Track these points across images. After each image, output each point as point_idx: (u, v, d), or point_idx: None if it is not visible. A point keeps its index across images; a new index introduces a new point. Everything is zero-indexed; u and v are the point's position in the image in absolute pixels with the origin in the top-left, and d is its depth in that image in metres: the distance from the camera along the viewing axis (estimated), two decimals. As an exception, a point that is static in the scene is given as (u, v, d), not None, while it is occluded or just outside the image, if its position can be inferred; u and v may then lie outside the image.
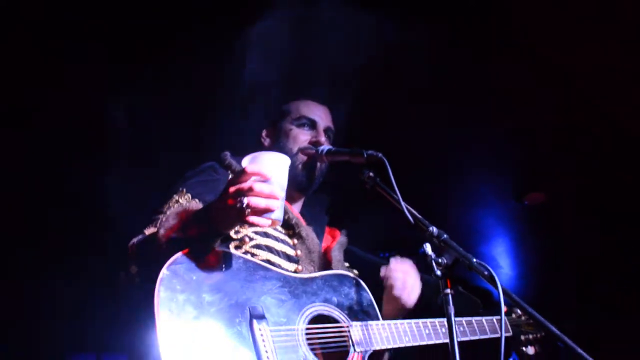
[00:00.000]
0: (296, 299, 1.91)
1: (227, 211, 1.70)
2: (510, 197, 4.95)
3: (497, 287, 1.63)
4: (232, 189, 1.69)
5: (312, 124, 2.45)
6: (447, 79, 3.80)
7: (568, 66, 3.70)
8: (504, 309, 1.63)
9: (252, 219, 1.68)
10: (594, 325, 5.18)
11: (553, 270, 5.59)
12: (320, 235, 2.40)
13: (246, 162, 1.77)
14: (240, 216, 1.68)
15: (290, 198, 2.44)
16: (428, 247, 1.78)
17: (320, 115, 2.49)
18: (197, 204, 1.98)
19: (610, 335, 5.41)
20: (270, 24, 3.15)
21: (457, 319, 2.37)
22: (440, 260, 1.75)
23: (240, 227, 2.15)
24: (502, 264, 5.79)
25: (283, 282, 1.91)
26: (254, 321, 1.75)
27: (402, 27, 3.27)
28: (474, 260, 1.72)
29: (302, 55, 3.29)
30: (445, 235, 1.80)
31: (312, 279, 2.02)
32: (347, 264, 2.42)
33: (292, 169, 2.36)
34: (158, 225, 1.94)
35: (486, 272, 1.68)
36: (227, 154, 2.34)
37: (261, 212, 1.68)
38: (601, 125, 4.17)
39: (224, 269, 1.80)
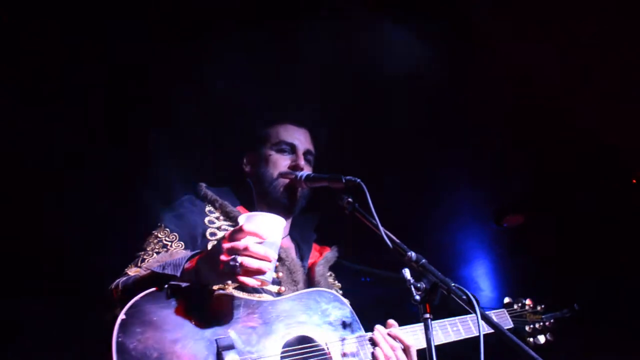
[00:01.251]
0: (268, 324, 1.89)
1: (218, 266, 1.72)
2: (490, 219, 4.98)
3: (475, 312, 1.64)
4: (227, 246, 1.71)
5: (292, 149, 2.49)
6: (426, 104, 3.86)
7: (544, 85, 3.76)
8: (482, 334, 1.63)
9: (243, 278, 1.71)
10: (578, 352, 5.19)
11: (535, 291, 5.61)
12: (307, 253, 2.43)
13: (242, 220, 1.81)
14: (231, 274, 1.71)
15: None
16: (407, 272, 1.80)
17: (300, 138, 2.53)
18: (183, 252, 2.00)
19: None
20: (249, 46, 3.18)
21: (450, 319, 2.41)
22: (419, 285, 1.76)
23: None
24: (483, 287, 5.80)
25: (252, 309, 1.89)
26: (222, 354, 1.71)
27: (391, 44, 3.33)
28: (452, 284, 1.74)
29: (282, 78, 3.32)
30: (423, 260, 1.82)
31: (285, 301, 2.00)
32: (330, 279, 2.44)
33: (274, 192, 2.40)
34: (140, 265, 1.98)
35: (464, 297, 1.70)
36: (203, 185, 2.40)
37: (253, 273, 1.71)
38: (582, 144, 4.22)
39: (187, 304, 1.77)
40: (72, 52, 2.95)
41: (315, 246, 2.57)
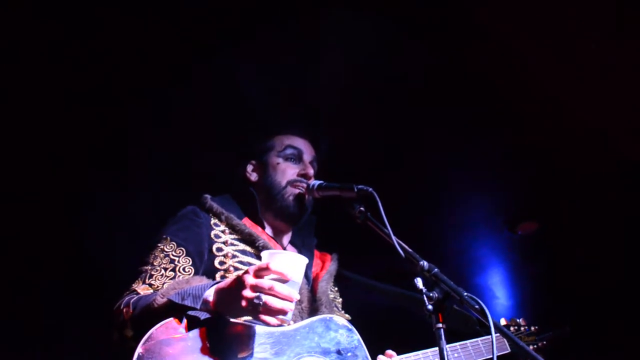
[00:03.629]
0: (280, 355, 1.87)
1: (239, 302, 1.71)
2: (504, 226, 4.96)
3: (488, 321, 1.63)
4: (252, 282, 1.70)
5: (299, 155, 2.49)
6: (437, 111, 3.85)
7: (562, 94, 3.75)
8: (495, 342, 1.62)
9: (264, 317, 1.71)
10: (591, 357, 5.13)
11: (550, 300, 5.56)
12: (310, 262, 2.39)
13: (266, 257, 1.80)
14: (252, 310, 1.71)
15: (279, 232, 2.46)
16: (419, 282, 1.78)
17: (305, 147, 2.53)
18: (199, 280, 1.97)
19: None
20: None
21: (452, 344, 2.38)
22: (431, 294, 1.75)
23: (225, 258, 2.16)
24: (498, 295, 5.76)
25: (264, 339, 1.87)
26: None
27: (389, 46, 3.33)
28: (465, 294, 1.73)
29: (285, 89, 3.34)
30: (436, 269, 1.81)
31: (295, 330, 1.98)
32: (333, 295, 2.42)
33: (283, 201, 2.39)
34: (147, 281, 1.96)
35: (477, 306, 1.68)
36: (207, 196, 2.35)
37: (275, 312, 1.71)
38: (597, 151, 4.19)
39: (203, 336, 1.76)
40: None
41: (316, 253, 2.54)
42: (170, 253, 2.08)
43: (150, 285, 1.99)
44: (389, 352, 2.21)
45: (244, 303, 1.70)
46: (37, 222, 3.37)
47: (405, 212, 2.08)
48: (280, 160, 2.47)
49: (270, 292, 1.69)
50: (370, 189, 2.05)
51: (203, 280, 1.95)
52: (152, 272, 2.03)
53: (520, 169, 4.34)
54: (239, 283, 1.73)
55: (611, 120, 3.91)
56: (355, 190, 2.10)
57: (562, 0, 3.15)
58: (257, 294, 1.69)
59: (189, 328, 1.75)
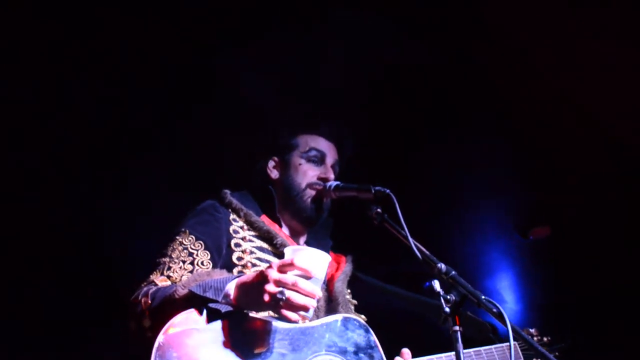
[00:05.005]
0: (297, 351, 1.87)
1: (262, 296, 1.71)
2: (515, 231, 4.95)
3: (505, 325, 1.64)
4: (275, 277, 1.71)
5: (322, 158, 2.49)
6: (449, 114, 3.86)
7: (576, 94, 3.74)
8: (513, 345, 1.63)
9: (286, 312, 1.71)
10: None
11: (558, 305, 5.55)
12: None
13: (289, 253, 1.82)
14: (275, 305, 1.71)
15: (295, 232, 2.47)
16: (436, 284, 1.78)
17: (329, 150, 2.53)
18: (220, 273, 1.97)
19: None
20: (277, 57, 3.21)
21: (466, 350, 2.37)
22: (448, 297, 1.76)
23: (243, 253, 2.17)
24: (506, 299, 5.75)
25: (283, 335, 1.87)
26: None
27: (404, 51, 3.34)
28: (483, 297, 1.73)
29: (308, 88, 3.35)
30: (453, 272, 1.82)
31: (313, 327, 1.99)
32: (348, 296, 2.42)
33: (301, 202, 2.40)
34: (166, 273, 1.97)
35: (495, 310, 1.69)
36: (227, 192, 2.36)
37: (297, 308, 1.72)
38: (610, 154, 4.18)
39: (223, 329, 1.77)
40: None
41: (331, 254, 2.53)
42: (188, 246, 2.09)
43: (169, 277, 1.99)
44: (405, 350, 2.22)
45: (266, 297, 1.71)
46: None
47: (415, 215, 2.07)
48: (302, 161, 2.47)
49: (293, 287, 1.70)
50: (388, 191, 2.06)
51: (224, 274, 1.95)
52: (171, 264, 2.03)
53: (531, 173, 4.33)
54: (262, 277, 1.73)
55: (626, 122, 3.90)
56: (373, 191, 2.11)
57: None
58: (281, 289, 1.70)
59: (208, 320, 1.76)
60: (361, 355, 2.04)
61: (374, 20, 3.21)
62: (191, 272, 2.01)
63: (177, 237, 2.13)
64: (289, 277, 1.71)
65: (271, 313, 1.87)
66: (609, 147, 4.14)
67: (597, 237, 4.88)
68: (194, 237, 2.12)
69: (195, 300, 1.77)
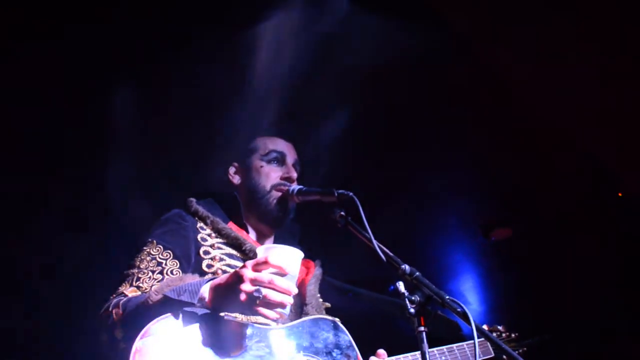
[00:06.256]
0: (274, 354, 1.87)
1: (238, 296, 1.70)
2: (478, 232, 5.01)
3: (470, 324, 1.65)
4: (251, 276, 1.70)
5: (282, 158, 2.48)
6: (412, 115, 3.88)
7: (528, 98, 3.82)
8: (477, 344, 1.64)
9: (263, 310, 1.71)
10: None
11: (521, 305, 5.64)
12: None
13: (261, 252, 1.81)
14: (250, 304, 1.70)
15: (262, 235, 2.45)
16: (401, 285, 1.79)
17: (288, 150, 2.53)
18: (192, 277, 1.95)
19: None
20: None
21: (439, 347, 2.41)
22: (413, 298, 1.76)
23: (213, 260, 2.14)
24: (470, 300, 5.82)
25: (260, 337, 1.87)
26: None
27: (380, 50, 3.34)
28: (447, 297, 1.74)
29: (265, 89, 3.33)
30: (417, 273, 1.82)
31: (290, 328, 1.99)
32: (321, 299, 2.42)
33: (267, 205, 2.38)
34: (135, 284, 1.95)
35: (459, 309, 1.70)
36: (193, 200, 2.34)
37: (274, 305, 1.72)
38: (567, 156, 4.27)
39: (198, 333, 1.75)
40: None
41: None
42: (157, 256, 2.06)
43: (138, 287, 1.97)
44: (380, 351, 2.21)
45: (243, 297, 1.69)
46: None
47: (378, 217, 2.08)
48: (263, 163, 2.46)
49: (269, 285, 1.70)
50: (351, 194, 2.06)
51: (196, 278, 1.93)
52: (139, 275, 2.00)
53: (495, 174, 4.40)
54: (237, 277, 1.73)
55: (584, 127, 4.00)
56: (336, 194, 2.10)
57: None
58: (257, 287, 1.69)
59: (184, 324, 1.74)
60: (337, 355, 2.04)
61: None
62: (160, 281, 1.97)
63: (145, 248, 2.10)
64: (265, 275, 1.71)
65: (246, 314, 1.86)
66: (574, 151, 4.24)
67: (560, 238, 4.98)
68: (161, 247, 2.09)
69: (169, 306, 1.75)
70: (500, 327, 2.76)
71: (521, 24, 3.33)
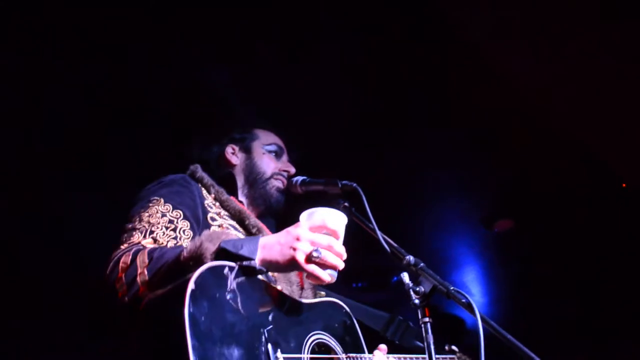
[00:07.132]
0: (300, 325, 1.85)
1: (295, 255, 1.68)
2: (480, 224, 5.00)
3: (475, 315, 1.63)
4: (309, 238, 1.70)
5: (281, 153, 2.50)
6: (414, 111, 3.87)
7: (527, 92, 3.80)
8: (482, 337, 1.62)
9: (317, 271, 1.69)
10: (568, 351, 5.21)
11: (524, 296, 5.64)
12: None
13: (304, 217, 1.80)
14: (306, 264, 1.69)
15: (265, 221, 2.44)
16: (405, 276, 1.78)
17: (285, 147, 2.54)
18: (227, 234, 1.85)
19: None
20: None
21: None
22: (417, 289, 1.75)
23: (219, 228, 2.07)
24: (473, 291, 5.82)
25: (289, 306, 1.84)
26: (270, 347, 1.64)
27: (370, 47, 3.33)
28: (451, 288, 1.73)
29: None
30: (422, 264, 1.81)
31: (311, 305, 1.96)
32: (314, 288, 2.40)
33: (267, 189, 2.37)
34: (149, 236, 1.83)
35: (464, 300, 1.69)
36: (198, 166, 2.28)
37: (327, 268, 1.72)
38: (570, 151, 4.25)
39: (241, 286, 1.66)
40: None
41: None
42: (167, 214, 1.94)
43: (155, 240, 1.83)
44: (382, 346, 2.20)
45: (300, 256, 1.68)
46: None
47: (381, 210, 2.07)
48: (265, 151, 2.46)
49: (328, 248, 1.70)
50: (355, 184, 2.06)
51: (231, 236, 1.83)
52: (153, 229, 1.86)
53: (497, 167, 4.39)
54: (292, 237, 1.71)
55: (583, 123, 3.99)
56: (340, 185, 2.10)
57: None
58: (316, 247, 1.69)
59: (234, 277, 1.63)
60: (348, 341, 2.01)
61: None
62: (175, 238, 1.86)
63: (151, 205, 1.95)
64: (323, 237, 1.71)
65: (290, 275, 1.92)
66: (574, 145, 4.22)
67: (562, 232, 4.97)
68: (171, 206, 1.96)
69: (219, 258, 1.64)
70: (454, 347, 2.67)
71: (521, 23, 3.31)
